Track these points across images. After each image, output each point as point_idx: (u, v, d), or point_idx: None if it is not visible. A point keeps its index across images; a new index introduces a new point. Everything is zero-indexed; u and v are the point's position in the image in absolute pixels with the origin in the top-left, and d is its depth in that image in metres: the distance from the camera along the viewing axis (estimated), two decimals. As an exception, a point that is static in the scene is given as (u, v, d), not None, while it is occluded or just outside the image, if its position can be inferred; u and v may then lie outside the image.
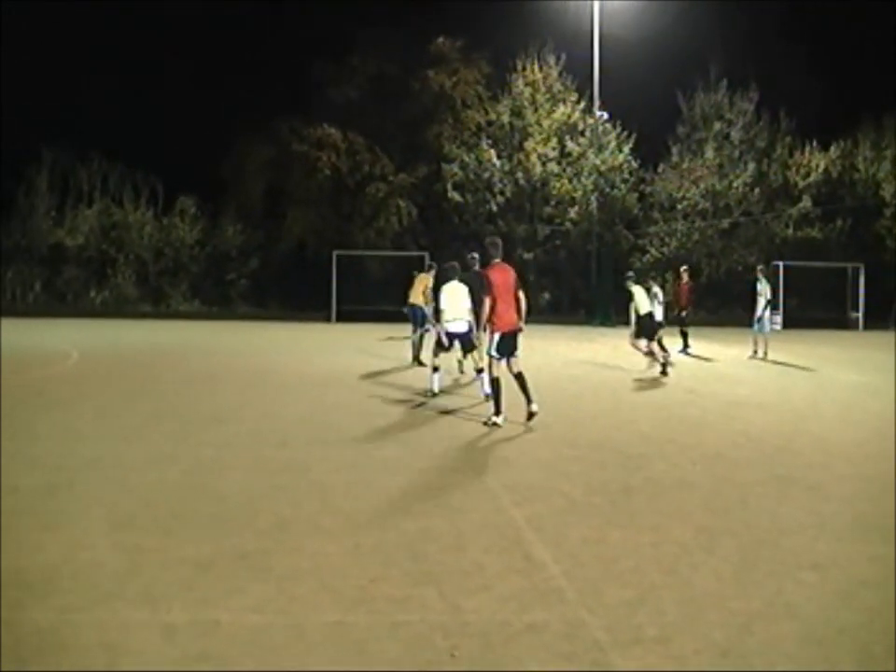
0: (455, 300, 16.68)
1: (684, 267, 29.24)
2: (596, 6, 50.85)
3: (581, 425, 13.95)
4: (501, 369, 13.43)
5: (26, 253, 55.46)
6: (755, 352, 26.15)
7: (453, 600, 6.21)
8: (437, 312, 17.71)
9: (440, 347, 17.08)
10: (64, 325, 38.65)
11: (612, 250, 52.70)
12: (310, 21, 57.40)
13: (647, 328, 22.18)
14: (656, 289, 27.12)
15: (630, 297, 22.51)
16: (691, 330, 28.66)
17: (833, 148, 54.71)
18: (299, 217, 56.03)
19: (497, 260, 13.68)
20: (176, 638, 5.56)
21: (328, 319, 43.16)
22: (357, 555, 7.17)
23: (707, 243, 53.73)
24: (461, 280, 16.90)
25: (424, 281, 23.88)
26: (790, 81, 50.60)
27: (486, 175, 54.24)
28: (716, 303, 50.19)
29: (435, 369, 17.03)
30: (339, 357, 24.96)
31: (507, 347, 13.37)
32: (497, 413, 13.29)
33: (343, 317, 42.61)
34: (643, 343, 22.25)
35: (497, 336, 13.26)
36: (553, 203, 54.20)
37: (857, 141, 54.83)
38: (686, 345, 27.82)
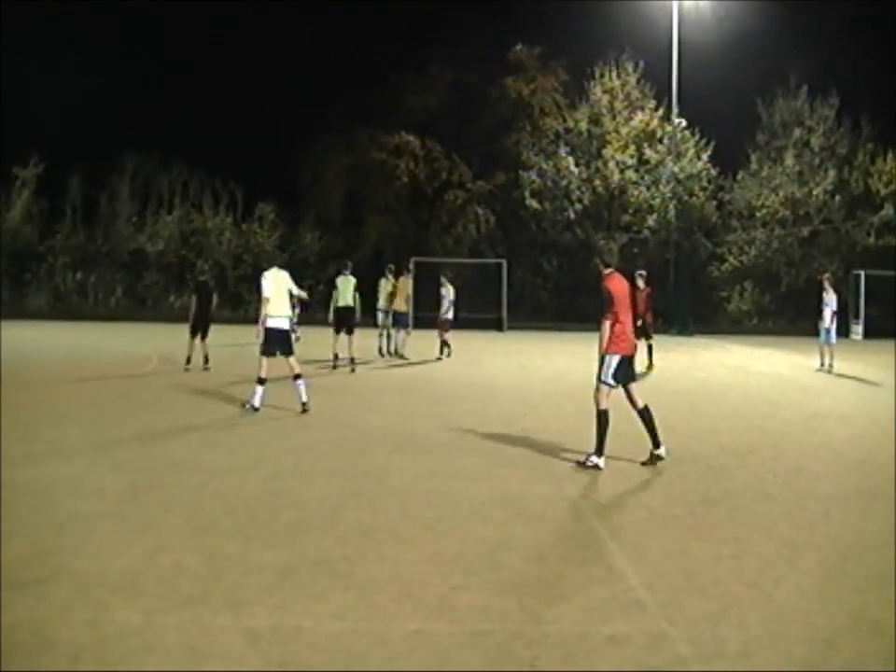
0: (280, 290, 15.60)
1: (640, 272, 26.30)
2: (675, 12, 50.50)
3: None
4: (611, 399, 11.34)
5: (108, 258, 56.20)
6: (822, 363, 25.61)
7: (533, 610, 6.20)
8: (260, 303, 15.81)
9: (267, 351, 15.53)
10: (145, 329, 39.12)
11: (691, 259, 52.28)
12: (389, 31, 57.62)
13: (344, 320, 22.78)
14: (445, 289, 27.60)
15: (334, 287, 23.40)
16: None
17: (916, 155, 53.79)
18: (377, 225, 56.33)
19: (612, 270, 11.58)
20: (259, 644, 5.60)
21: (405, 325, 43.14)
22: (437, 564, 7.19)
23: (786, 251, 53.10)
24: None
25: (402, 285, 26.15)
26: (871, 87, 49.88)
27: (564, 182, 54.08)
28: (796, 313, 49.48)
29: (261, 381, 15.44)
30: (413, 364, 25.00)
31: (624, 374, 11.35)
32: (600, 452, 11.17)
33: (422, 324, 42.76)
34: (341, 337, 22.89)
35: (615, 359, 11.18)
36: (630, 210, 53.88)
37: (941, 146, 53.77)
38: (650, 363, 24.58)
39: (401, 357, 26.08)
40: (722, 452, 12.55)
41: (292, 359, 15.51)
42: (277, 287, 15.57)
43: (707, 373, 24.74)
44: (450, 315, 27.55)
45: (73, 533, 7.86)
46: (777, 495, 9.93)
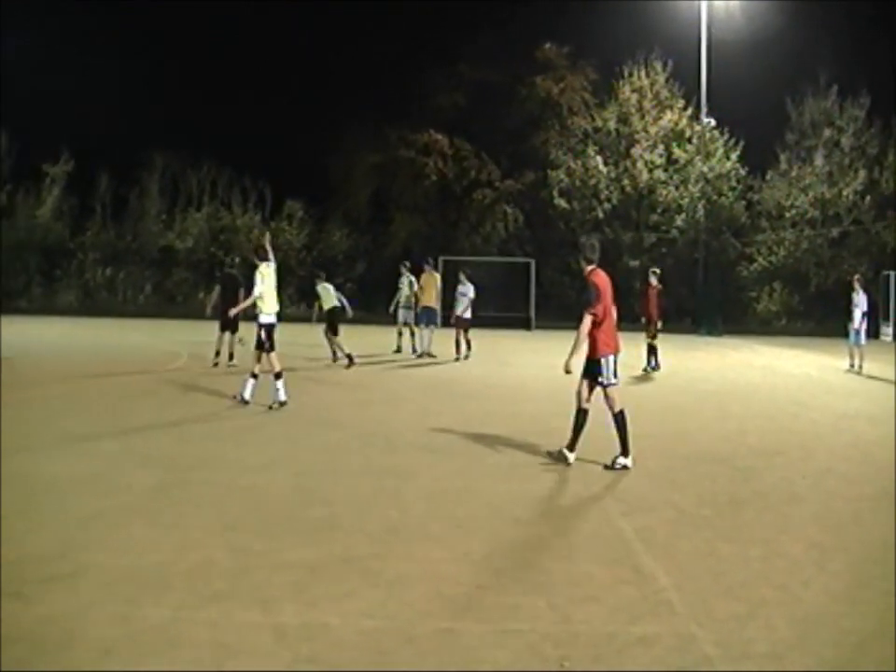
0: (272, 285, 15.56)
1: (654, 269, 25.93)
2: (704, 11, 50.36)
3: (688, 436, 13.82)
4: (584, 399, 11.18)
5: (137, 255, 56.54)
6: (852, 364, 25.43)
7: (563, 610, 6.21)
8: (254, 299, 15.69)
9: (266, 345, 15.55)
10: (174, 326, 39.27)
11: (719, 259, 52.14)
12: (418, 29, 57.58)
13: (333, 321, 23.36)
14: (464, 287, 26.89)
15: (316, 296, 23.83)
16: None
17: (947, 155, 53.32)
18: (405, 223, 56.42)
19: (594, 265, 11.45)
20: (287, 640, 5.63)
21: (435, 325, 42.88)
22: (466, 562, 7.20)
23: (815, 252, 52.81)
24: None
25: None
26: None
27: (593, 181, 54.03)
28: (825, 314, 49.17)
29: (278, 375, 15.49)
30: (440, 363, 24.95)
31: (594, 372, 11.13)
32: (626, 452, 11.08)
33: (450, 323, 42.77)
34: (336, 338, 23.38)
35: (612, 359, 11.05)
36: (659, 210, 53.77)
37: (973, 146, 53.29)
38: (652, 361, 24.10)
39: (430, 355, 25.94)
40: (751, 453, 12.51)
41: (273, 355, 15.54)
42: (270, 283, 15.57)
43: (736, 374, 24.67)
44: (468, 314, 26.69)
45: (101, 528, 7.91)
46: (806, 496, 9.89)
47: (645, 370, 23.74)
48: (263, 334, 15.55)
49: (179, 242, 56.54)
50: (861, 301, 25.17)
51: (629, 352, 22.88)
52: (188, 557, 7.14)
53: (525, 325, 46.18)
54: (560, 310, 51.20)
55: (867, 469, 11.57)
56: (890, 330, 44.18)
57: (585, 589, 6.64)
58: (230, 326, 22.05)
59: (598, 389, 11.11)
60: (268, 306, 15.50)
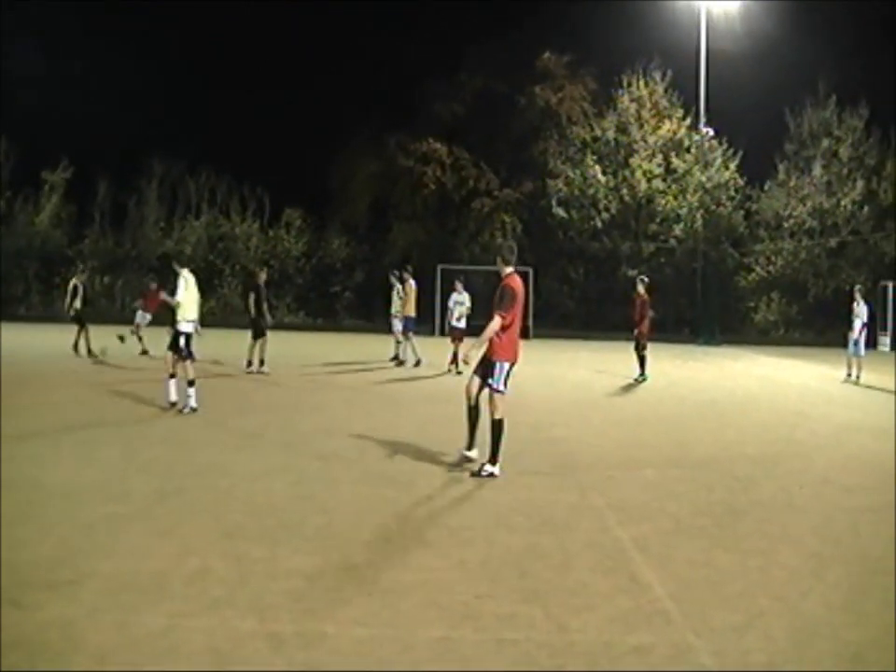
0: (193, 293, 15.58)
1: (642, 276, 25.07)
2: (704, 21, 50.47)
3: (686, 445, 13.82)
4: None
5: (136, 262, 56.52)
6: (849, 374, 25.44)
7: (558, 619, 6.19)
8: (175, 307, 15.59)
9: (185, 353, 15.56)
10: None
11: (718, 268, 52.18)
12: (418, 37, 57.75)
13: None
14: (460, 295, 25.81)
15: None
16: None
17: (946, 165, 53.34)
18: (404, 231, 56.55)
19: (512, 269, 11.42)
20: (283, 648, 5.62)
21: (431, 333, 42.98)
22: (462, 571, 7.19)
23: (813, 262, 52.88)
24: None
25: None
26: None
27: (591, 191, 54.10)
28: (824, 324, 49.25)
29: (192, 382, 15.55)
30: (440, 372, 24.88)
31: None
32: (494, 461, 10.94)
33: (444, 332, 42.73)
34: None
35: (506, 366, 11.05)
36: (658, 220, 53.86)
37: (972, 156, 53.32)
38: (642, 372, 23.71)
39: (415, 364, 25.77)
40: (749, 462, 12.50)
41: (189, 363, 15.65)
42: (193, 290, 15.66)
43: (735, 384, 24.68)
44: (462, 324, 25.64)
45: (100, 535, 7.90)
46: (805, 507, 9.89)
47: (636, 379, 23.54)
48: (182, 341, 15.52)
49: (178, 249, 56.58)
50: (861, 312, 25.19)
51: (616, 360, 22.94)
52: (185, 565, 7.14)
53: (523, 334, 45.89)
54: (558, 319, 51.36)
55: (866, 480, 11.56)
56: (888, 341, 44.23)
57: (581, 598, 6.63)
58: (263, 333, 22.04)
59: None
60: (188, 313, 15.51)
